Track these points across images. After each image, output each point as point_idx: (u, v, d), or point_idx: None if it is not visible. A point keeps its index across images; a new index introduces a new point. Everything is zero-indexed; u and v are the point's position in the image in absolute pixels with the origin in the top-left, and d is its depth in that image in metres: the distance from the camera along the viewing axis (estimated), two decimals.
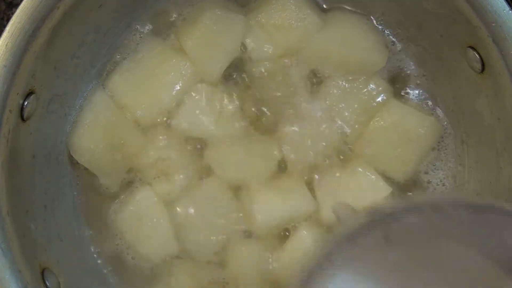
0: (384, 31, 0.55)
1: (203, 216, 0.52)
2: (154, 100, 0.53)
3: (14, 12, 0.42)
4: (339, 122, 0.53)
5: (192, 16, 0.53)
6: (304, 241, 0.51)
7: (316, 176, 0.53)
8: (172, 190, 0.52)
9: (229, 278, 0.52)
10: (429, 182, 0.54)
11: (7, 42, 0.42)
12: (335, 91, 0.53)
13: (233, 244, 0.52)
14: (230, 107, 0.53)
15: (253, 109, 0.54)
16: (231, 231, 0.52)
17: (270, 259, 0.52)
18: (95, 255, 0.53)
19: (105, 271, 0.53)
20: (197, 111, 0.53)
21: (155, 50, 0.53)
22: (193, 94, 0.53)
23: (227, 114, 0.53)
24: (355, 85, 0.53)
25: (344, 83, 0.53)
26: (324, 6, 0.55)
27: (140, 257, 0.53)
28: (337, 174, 0.53)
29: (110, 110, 0.52)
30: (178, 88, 0.53)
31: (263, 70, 0.54)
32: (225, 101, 0.53)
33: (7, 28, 0.42)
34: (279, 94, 0.54)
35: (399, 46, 0.55)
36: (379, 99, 0.53)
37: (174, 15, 0.54)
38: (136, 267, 0.53)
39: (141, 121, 0.53)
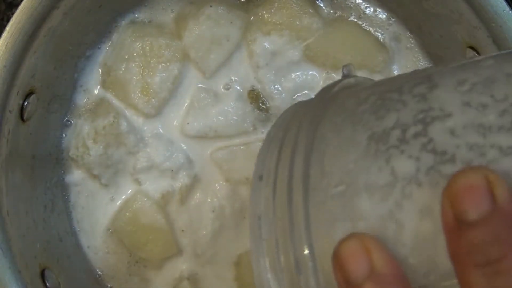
0: (384, 31, 0.55)
1: (204, 217, 0.52)
2: (154, 100, 0.52)
3: (14, 12, 0.42)
4: None
5: (193, 14, 0.53)
6: None
7: None
8: (173, 190, 0.52)
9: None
10: None
11: (7, 42, 0.42)
12: None
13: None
14: (232, 105, 0.53)
15: (255, 107, 0.53)
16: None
17: None
18: (95, 255, 0.53)
19: (105, 271, 0.53)
20: (198, 111, 0.52)
21: (155, 49, 0.53)
22: (194, 93, 0.53)
23: (228, 113, 0.53)
24: None
25: None
26: (324, 6, 0.55)
27: (140, 260, 0.53)
28: None
29: (109, 110, 0.52)
30: (179, 87, 0.53)
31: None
32: (226, 100, 0.53)
33: (7, 28, 0.42)
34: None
35: (399, 46, 0.55)
36: None
37: (174, 13, 0.54)
38: (136, 269, 0.53)
39: (141, 121, 0.53)
